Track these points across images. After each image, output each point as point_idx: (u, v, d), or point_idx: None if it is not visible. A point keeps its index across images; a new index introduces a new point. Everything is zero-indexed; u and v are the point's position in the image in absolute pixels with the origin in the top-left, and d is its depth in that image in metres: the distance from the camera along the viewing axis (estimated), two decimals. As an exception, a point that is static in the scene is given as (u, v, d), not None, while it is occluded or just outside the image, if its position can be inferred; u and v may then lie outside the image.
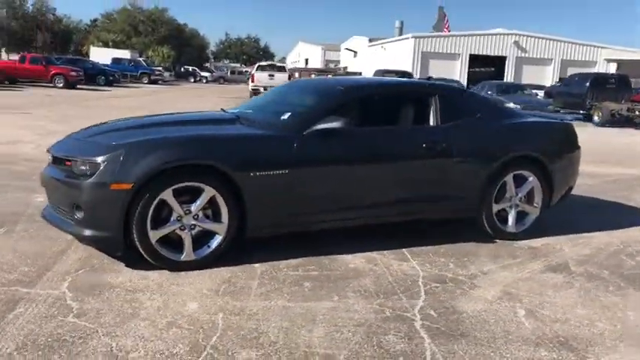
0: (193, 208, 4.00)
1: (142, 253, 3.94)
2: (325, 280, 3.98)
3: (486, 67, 41.72)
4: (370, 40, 53.15)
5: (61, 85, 29.23)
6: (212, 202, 4.05)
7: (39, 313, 3.26)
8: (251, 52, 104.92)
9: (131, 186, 3.76)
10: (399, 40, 44.83)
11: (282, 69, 26.37)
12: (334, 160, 4.39)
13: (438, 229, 5.27)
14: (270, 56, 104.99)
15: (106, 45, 53.18)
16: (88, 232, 3.87)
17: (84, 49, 55.86)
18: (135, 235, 3.86)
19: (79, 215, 3.88)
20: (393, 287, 3.91)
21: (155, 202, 3.86)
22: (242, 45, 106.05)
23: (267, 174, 4.11)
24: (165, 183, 3.87)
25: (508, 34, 41.74)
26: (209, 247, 4.10)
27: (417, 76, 35.27)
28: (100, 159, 3.85)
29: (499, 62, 41.48)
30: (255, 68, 27.39)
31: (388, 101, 5.11)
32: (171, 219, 3.98)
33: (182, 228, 4.00)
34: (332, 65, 62.87)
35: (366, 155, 4.50)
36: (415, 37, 40.68)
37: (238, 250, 4.35)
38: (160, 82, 43.77)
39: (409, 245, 4.80)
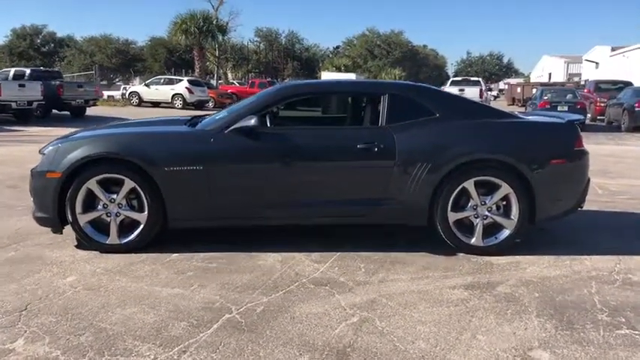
0: (117, 197, 4.49)
1: (75, 233, 4.55)
2: (212, 272, 4.12)
3: None
4: (613, 49, 47.86)
5: (281, 105, 32.40)
6: (137, 193, 4.50)
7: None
8: (493, 70, 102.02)
9: (60, 175, 4.41)
10: (642, 47, 39.59)
11: (476, 83, 25.39)
12: (252, 158, 4.49)
13: (416, 236, 4.93)
14: (514, 72, 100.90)
15: (338, 70, 57.12)
16: (38, 214, 4.61)
17: (319, 75, 60.76)
18: (68, 218, 4.49)
19: (32, 199, 4.66)
20: (265, 284, 3.88)
21: (82, 190, 4.44)
22: (483, 62, 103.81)
23: (181, 169, 4.41)
24: (90, 174, 4.43)
25: None
26: (133, 233, 4.54)
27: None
28: (45, 151, 4.60)
29: None
30: (448, 83, 26.91)
31: (328, 102, 5.00)
32: (98, 206, 4.52)
33: (108, 215, 4.52)
34: (575, 79, 58.18)
35: (286, 154, 4.48)
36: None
37: (180, 239, 4.74)
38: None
39: (350, 250, 4.62)
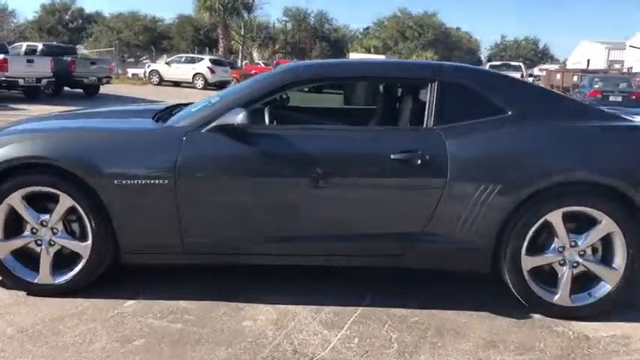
0: (49, 219, 3.17)
1: (-7, 267, 3.26)
2: (172, 341, 2.79)
3: None
4: (662, 35, 45.12)
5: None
6: (79, 215, 3.18)
7: None
8: (528, 55, 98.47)
9: (-29, 186, 3.12)
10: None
11: (517, 68, 23.49)
12: (239, 169, 3.13)
13: (471, 286, 3.53)
14: (549, 58, 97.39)
15: (367, 51, 55.14)
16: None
17: (347, 56, 58.92)
18: (-16, 246, 3.20)
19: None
20: (244, 370, 2.54)
21: (2, 208, 3.16)
22: (518, 47, 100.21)
23: (137, 183, 3.08)
24: (12, 186, 3.13)
25: None
26: (72, 270, 3.23)
27: None
28: None
29: None
30: (486, 68, 25.08)
31: (349, 91, 3.59)
32: (25, 231, 3.22)
33: (38, 243, 3.21)
34: (617, 66, 55.39)
35: (287, 165, 3.12)
36: None
37: (141, 276, 3.42)
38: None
39: (376, 303, 3.25)
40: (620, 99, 16.77)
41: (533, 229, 3.09)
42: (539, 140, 3.15)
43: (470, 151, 3.09)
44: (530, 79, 53.23)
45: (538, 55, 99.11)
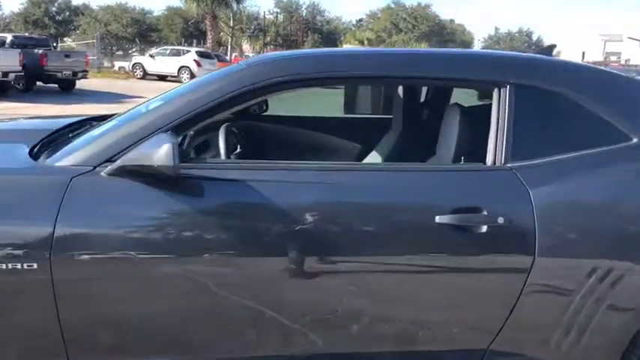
0: None
1: None
2: None
3: None
4: (663, 27, 44.05)
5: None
6: None
7: None
8: (522, 47, 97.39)
9: None
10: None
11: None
12: (160, 242, 1.77)
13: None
14: (543, 50, 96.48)
15: (361, 44, 53.76)
16: None
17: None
18: None
19: None
20: None
21: None
22: (512, 39, 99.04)
23: (-14, 268, 1.72)
24: None
25: None
26: None
27: None
28: None
29: None
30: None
31: (351, 100, 2.23)
32: None
33: None
34: (613, 58, 54.41)
35: (247, 237, 1.77)
36: None
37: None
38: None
39: None
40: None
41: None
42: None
43: (573, 207, 1.76)
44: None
45: (532, 47, 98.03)
